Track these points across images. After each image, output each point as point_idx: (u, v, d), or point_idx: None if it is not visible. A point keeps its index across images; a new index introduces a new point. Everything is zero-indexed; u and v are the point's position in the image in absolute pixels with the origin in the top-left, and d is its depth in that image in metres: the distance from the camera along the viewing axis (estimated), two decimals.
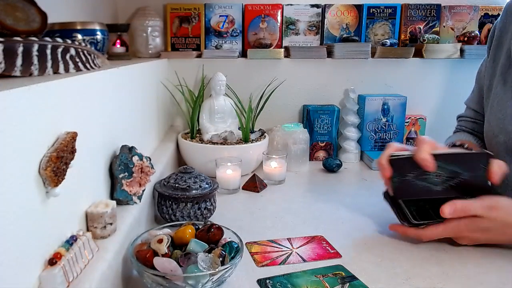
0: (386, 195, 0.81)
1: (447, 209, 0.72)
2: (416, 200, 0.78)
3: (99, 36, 0.89)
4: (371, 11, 1.45)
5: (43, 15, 0.65)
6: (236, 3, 1.44)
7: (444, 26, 1.47)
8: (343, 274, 0.68)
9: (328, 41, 1.46)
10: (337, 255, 0.74)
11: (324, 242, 0.79)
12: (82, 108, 0.59)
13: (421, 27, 1.46)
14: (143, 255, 0.60)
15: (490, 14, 1.48)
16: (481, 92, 0.97)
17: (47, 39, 0.58)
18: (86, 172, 0.60)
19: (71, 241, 0.52)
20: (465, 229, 0.73)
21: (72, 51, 0.63)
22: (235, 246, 0.65)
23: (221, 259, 0.60)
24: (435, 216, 0.74)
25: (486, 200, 0.72)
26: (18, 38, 0.53)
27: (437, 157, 0.73)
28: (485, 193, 0.73)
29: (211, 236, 0.66)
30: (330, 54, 1.38)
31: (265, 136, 1.23)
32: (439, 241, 0.79)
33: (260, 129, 1.27)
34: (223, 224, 0.70)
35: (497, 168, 0.73)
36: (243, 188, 1.08)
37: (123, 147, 0.74)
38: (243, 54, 1.45)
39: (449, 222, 0.73)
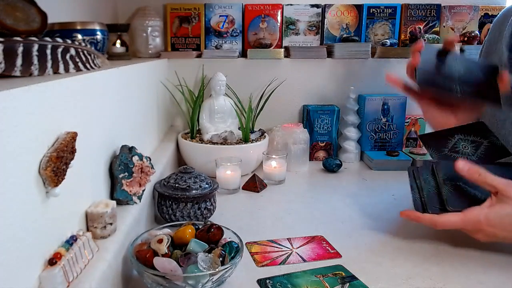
0: (411, 172, 0.78)
1: (461, 164, 0.70)
2: (438, 188, 0.75)
3: (99, 36, 0.89)
4: (371, 11, 1.45)
5: (43, 15, 0.65)
6: (236, 3, 1.44)
7: (444, 26, 1.47)
8: (343, 274, 0.68)
9: (328, 41, 1.46)
10: (337, 255, 0.74)
11: (324, 242, 0.79)
12: (82, 108, 0.59)
13: (421, 27, 1.46)
14: (143, 255, 0.60)
15: (490, 14, 1.48)
16: None
17: (47, 39, 0.58)
18: (86, 172, 0.60)
19: (71, 241, 0.52)
20: (484, 222, 0.68)
21: (72, 51, 0.63)
22: (235, 246, 0.65)
23: (221, 259, 0.60)
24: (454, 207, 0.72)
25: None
26: (18, 38, 0.53)
27: (454, 131, 0.75)
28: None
29: (211, 236, 0.66)
30: (330, 54, 1.38)
31: (265, 136, 1.23)
32: (439, 241, 0.79)
33: (260, 129, 1.27)
34: (223, 224, 0.70)
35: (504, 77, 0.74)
36: (243, 188, 1.08)
37: (123, 147, 0.74)
38: (243, 54, 1.45)
39: (469, 212, 0.69)
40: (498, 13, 1.46)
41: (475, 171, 0.70)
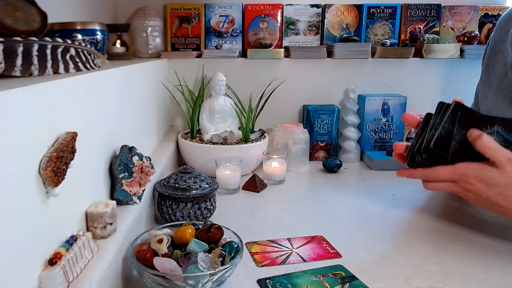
0: (424, 119, 0.76)
1: (474, 132, 0.68)
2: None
3: (99, 36, 0.89)
4: (371, 11, 1.45)
5: (43, 15, 0.65)
6: (236, 3, 1.44)
7: (444, 26, 1.47)
8: (343, 274, 0.68)
9: (328, 41, 1.46)
10: (337, 255, 0.74)
11: (324, 242, 0.79)
12: (82, 108, 0.59)
13: (421, 27, 1.46)
14: (143, 255, 0.60)
15: (490, 14, 1.48)
16: (478, 104, 0.99)
17: (47, 39, 0.58)
18: (86, 172, 0.60)
19: (71, 241, 0.52)
20: (471, 175, 0.68)
21: (72, 51, 0.63)
22: (235, 246, 0.65)
23: (221, 259, 0.60)
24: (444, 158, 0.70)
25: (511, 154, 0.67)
26: (18, 38, 0.53)
27: (495, 121, 0.71)
28: None
29: (211, 236, 0.66)
30: (330, 54, 1.38)
31: (265, 136, 1.23)
32: (439, 241, 0.79)
33: (260, 129, 1.27)
34: (223, 224, 0.70)
35: None
36: (243, 188, 1.08)
37: (123, 147, 0.74)
38: (243, 54, 1.45)
39: (458, 165, 0.69)
40: (498, 13, 1.47)
41: (479, 135, 0.68)
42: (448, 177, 0.71)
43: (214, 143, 1.16)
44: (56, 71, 0.59)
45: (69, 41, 0.63)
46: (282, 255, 0.74)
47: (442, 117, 0.73)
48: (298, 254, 0.74)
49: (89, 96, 0.61)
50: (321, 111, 1.32)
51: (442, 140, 0.71)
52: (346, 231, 0.84)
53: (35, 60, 0.54)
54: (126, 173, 0.71)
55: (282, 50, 1.38)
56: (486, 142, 0.68)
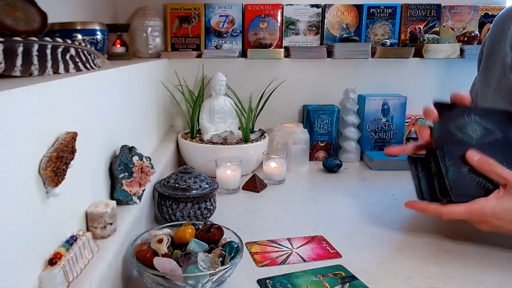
0: (412, 160, 0.76)
1: (472, 153, 0.68)
2: (440, 176, 0.73)
3: (99, 36, 0.89)
4: (371, 11, 1.45)
5: (43, 15, 0.65)
6: (236, 3, 1.44)
7: (444, 26, 1.47)
8: (343, 274, 0.68)
9: (328, 41, 1.46)
10: (337, 255, 0.74)
11: (324, 242, 0.79)
12: (82, 108, 0.59)
13: (421, 27, 1.46)
14: (143, 255, 0.60)
15: (490, 14, 1.48)
16: (474, 103, 0.99)
17: (47, 39, 0.58)
18: (86, 172, 0.60)
19: (71, 241, 0.52)
20: (490, 214, 0.67)
21: (72, 51, 0.63)
22: (235, 246, 0.65)
23: (221, 259, 0.60)
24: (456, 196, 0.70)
25: None
26: (18, 38, 0.53)
27: (473, 111, 0.74)
28: None
29: (211, 236, 0.66)
30: (330, 54, 1.38)
31: (265, 136, 1.24)
32: (439, 241, 0.79)
33: (260, 129, 1.27)
34: (223, 224, 0.70)
35: None
36: (243, 188, 1.08)
37: (123, 147, 0.74)
38: (243, 54, 1.45)
39: (475, 203, 0.68)
40: (498, 13, 1.47)
41: (485, 161, 0.69)
42: (463, 217, 0.70)
43: (214, 143, 1.16)
44: (56, 71, 0.59)
45: (69, 41, 0.63)
46: (282, 255, 0.74)
47: (431, 166, 0.74)
48: (298, 254, 0.74)
49: (89, 96, 0.61)
50: (321, 111, 1.32)
51: (456, 185, 0.71)
52: (346, 231, 0.84)
53: (35, 60, 0.54)
54: (126, 173, 0.71)
55: (282, 50, 1.38)
56: (494, 166, 0.67)
